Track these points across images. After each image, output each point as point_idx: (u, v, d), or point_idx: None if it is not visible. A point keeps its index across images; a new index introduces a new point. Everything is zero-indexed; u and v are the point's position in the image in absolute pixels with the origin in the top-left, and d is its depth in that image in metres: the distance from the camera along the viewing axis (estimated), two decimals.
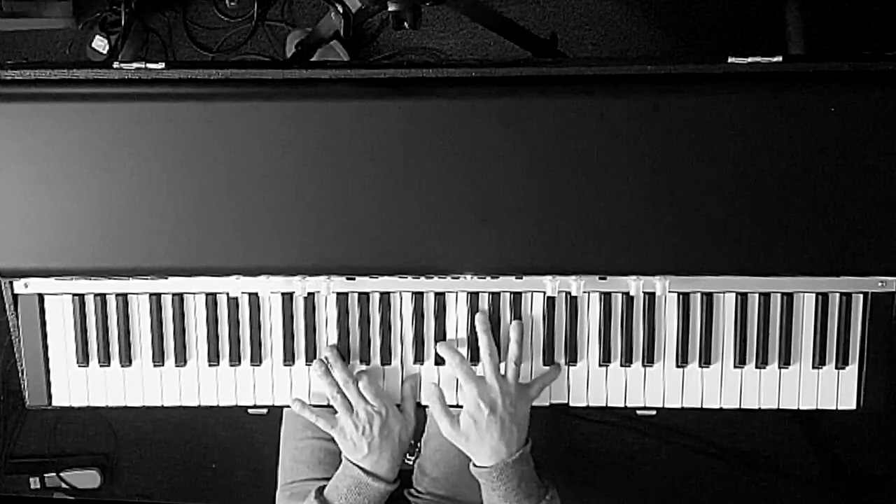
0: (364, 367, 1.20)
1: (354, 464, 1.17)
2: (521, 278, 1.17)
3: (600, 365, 1.19)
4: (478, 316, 1.17)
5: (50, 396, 1.22)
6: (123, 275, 1.16)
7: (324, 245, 1.09)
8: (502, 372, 1.16)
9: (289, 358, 1.20)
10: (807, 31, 1.84)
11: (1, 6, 1.91)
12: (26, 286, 1.19)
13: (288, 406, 1.22)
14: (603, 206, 1.07)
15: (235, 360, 1.20)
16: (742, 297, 1.17)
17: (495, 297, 1.18)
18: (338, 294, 1.19)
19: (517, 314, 1.18)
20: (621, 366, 1.19)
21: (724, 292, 1.17)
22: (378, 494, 1.17)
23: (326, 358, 1.19)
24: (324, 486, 1.22)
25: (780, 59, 1.05)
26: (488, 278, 1.17)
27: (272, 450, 1.47)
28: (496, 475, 1.14)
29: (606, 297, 1.18)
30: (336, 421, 1.18)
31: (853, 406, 1.18)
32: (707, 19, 1.95)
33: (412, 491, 1.41)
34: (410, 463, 1.46)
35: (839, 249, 1.07)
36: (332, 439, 1.37)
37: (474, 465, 1.16)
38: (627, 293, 1.17)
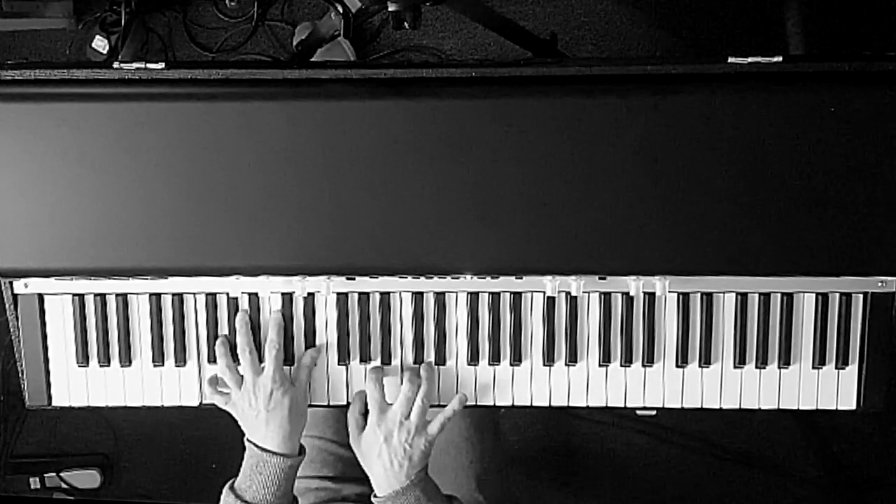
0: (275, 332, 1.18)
1: (252, 443, 1.16)
2: (521, 278, 1.17)
3: (600, 365, 1.19)
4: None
5: (50, 396, 1.22)
6: (123, 275, 1.16)
7: (324, 245, 1.09)
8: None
9: (289, 358, 1.20)
10: (807, 31, 1.84)
11: (1, 6, 1.91)
12: (26, 286, 1.19)
13: None
14: (602, 206, 1.06)
15: (235, 359, 1.20)
16: (742, 297, 1.17)
17: (495, 297, 1.18)
18: (338, 294, 1.19)
19: (517, 314, 1.18)
20: (621, 366, 1.19)
21: (724, 292, 1.17)
22: (279, 469, 1.14)
23: (237, 323, 1.18)
24: (235, 480, 1.19)
25: (780, 59, 1.05)
26: (488, 278, 1.17)
27: None
28: (390, 503, 1.14)
29: (606, 297, 1.18)
30: (230, 398, 1.18)
31: (853, 406, 1.18)
32: (707, 19, 1.95)
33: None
34: None
35: (839, 249, 1.07)
36: (333, 440, 1.37)
37: (374, 495, 1.17)
38: (627, 293, 1.17)
